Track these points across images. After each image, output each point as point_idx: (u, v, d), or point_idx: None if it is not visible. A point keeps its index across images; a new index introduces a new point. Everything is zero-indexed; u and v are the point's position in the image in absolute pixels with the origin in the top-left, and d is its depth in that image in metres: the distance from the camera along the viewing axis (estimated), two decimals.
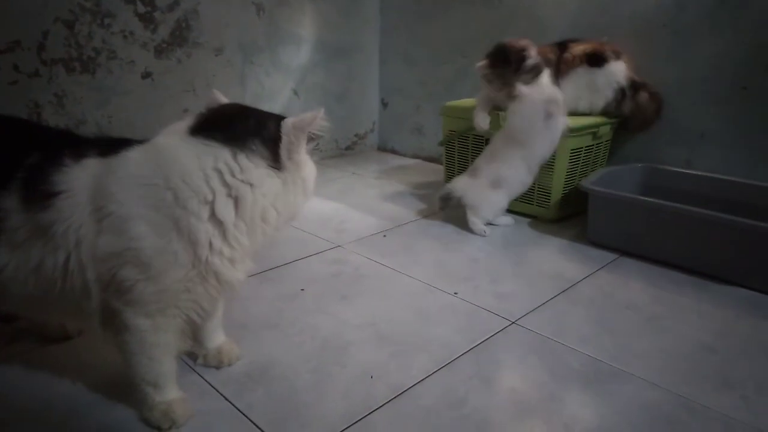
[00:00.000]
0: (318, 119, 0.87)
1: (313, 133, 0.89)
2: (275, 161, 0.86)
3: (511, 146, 1.69)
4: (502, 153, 1.70)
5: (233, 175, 0.82)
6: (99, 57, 1.88)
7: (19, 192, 0.83)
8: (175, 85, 2.09)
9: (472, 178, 1.76)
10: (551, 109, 1.61)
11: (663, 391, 1.01)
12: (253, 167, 0.84)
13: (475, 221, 1.74)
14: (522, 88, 1.65)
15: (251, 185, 0.84)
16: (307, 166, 0.91)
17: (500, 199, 1.74)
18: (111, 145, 0.85)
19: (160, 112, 2.06)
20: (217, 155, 0.82)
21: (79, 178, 0.82)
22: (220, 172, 0.82)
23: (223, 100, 0.94)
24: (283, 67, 2.44)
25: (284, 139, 0.85)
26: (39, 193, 0.81)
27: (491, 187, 1.72)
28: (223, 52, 2.20)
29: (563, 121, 1.65)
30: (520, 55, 1.70)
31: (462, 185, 1.76)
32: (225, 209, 0.82)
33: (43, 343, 1.13)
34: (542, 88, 1.69)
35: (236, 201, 0.83)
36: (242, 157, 0.83)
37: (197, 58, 2.13)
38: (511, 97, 1.69)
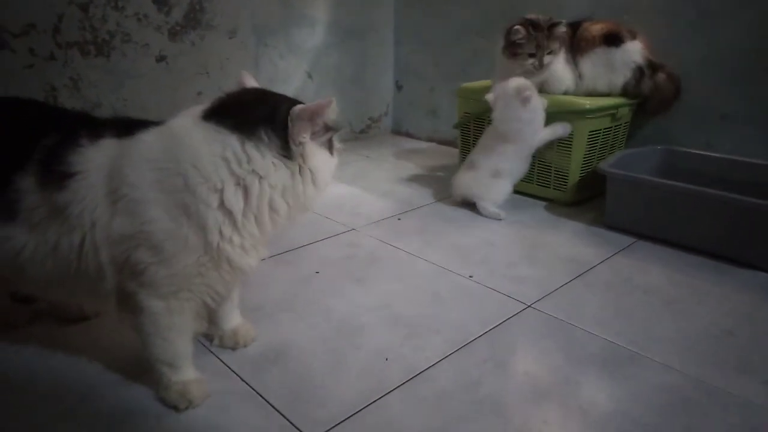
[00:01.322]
0: (326, 108, 0.82)
1: (326, 124, 0.85)
2: (286, 150, 0.83)
3: (503, 143, 1.71)
4: (497, 148, 1.72)
5: (240, 165, 0.80)
6: (113, 40, 1.88)
7: (37, 172, 0.83)
8: (188, 68, 2.08)
9: (472, 171, 1.77)
10: (524, 95, 1.62)
11: (681, 374, 1.00)
12: (260, 157, 0.81)
13: (486, 206, 1.73)
14: (488, 96, 1.71)
15: (259, 176, 0.82)
16: (316, 157, 0.86)
17: (505, 185, 1.74)
18: (128, 127, 0.85)
19: (174, 95, 2.05)
20: (225, 143, 0.80)
21: (95, 159, 0.83)
22: (227, 161, 0.80)
23: (250, 83, 0.92)
24: (296, 49, 2.42)
25: (290, 127, 0.82)
26: (55, 174, 0.82)
27: (492, 176, 1.73)
28: (237, 34, 2.19)
29: (541, 102, 1.68)
30: (553, 22, 1.70)
31: (463, 181, 1.79)
32: (234, 199, 0.81)
33: (61, 323, 1.14)
34: (509, 81, 1.68)
35: (245, 191, 0.82)
36: (250, 146, 0.81)
37: (211, 40, 2.12)
38: (539, 67, 1.71)
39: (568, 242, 1.57)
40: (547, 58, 1.71)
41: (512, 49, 1.72)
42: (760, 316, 1.19)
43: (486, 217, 1.73)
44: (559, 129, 1.71)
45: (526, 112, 1.65)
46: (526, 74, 1.73)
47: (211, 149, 0.80)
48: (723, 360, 1.04)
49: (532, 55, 1.70)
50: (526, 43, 1.69)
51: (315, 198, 0.90)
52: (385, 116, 2.91)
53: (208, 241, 0.81)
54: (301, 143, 0.83)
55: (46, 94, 1.78)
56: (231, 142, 0.80)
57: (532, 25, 1.69)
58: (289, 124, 0.82)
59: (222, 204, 0.81)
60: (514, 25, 1.69)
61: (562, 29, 1.71)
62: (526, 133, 1.68)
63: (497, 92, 1.69)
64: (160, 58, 2.00)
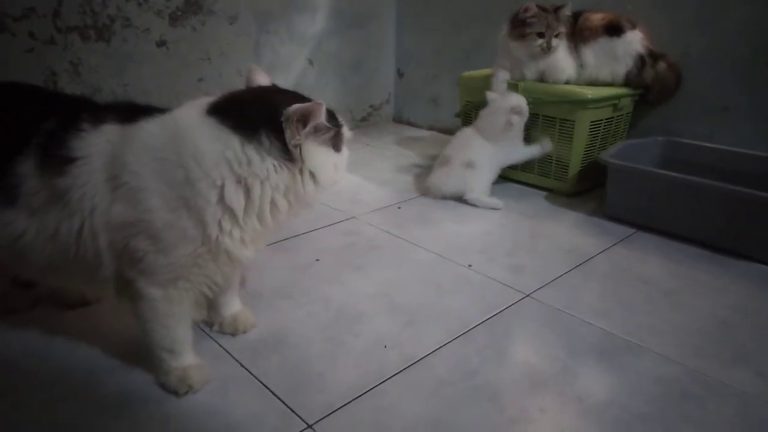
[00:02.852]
0: (316, 111, 0.80)
1: (322, 124, 0.82)
2: (287, 153, 0.81)
3: (482, 138, 1.75)
4: (473, 142, 1.75)
5: (240, 166, 0.80)
6: (114, 25, 1.86)
7: (37, 157, 0.83)
8: (190, 53, 2.07)
9: (446, 167, 1.77)
10: (512, 119, 1.68)
11: (678, 365, 1.01)
12: (259, 160, 0.80)
13: (476, 198, 1.72)
14: (491, 95, 1.77)
15: (259, 178, 0.81)
16: (316, 157, 0.84)
17: (482, 173, 1.74)
18: (131, 112, 0.85)
19: (176, 80, 2.05)
20: (227, 143, 0.79)
21: (97, 144, 0.82)
22: (228, 161, 0.79)
23: (259, 78, 0.91)
24: (298, 36, 2.41)
25: (286, 129, 0.80)
26: (57, 159, 0.82)
27: (466, 167, 1.72)
28: (238, 20, 2.18)
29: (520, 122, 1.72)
30: (558, 5, 1.73)
31: (438, 181, 1.78)
32: (234, 196, 0.81)
33: (61, 309, 1.14)
34: (510, 97, 1.73)
35: (246, 190, 0.81)
36: (250, 149, 0.80)
37: (212, 26, 2.10)
38: (547, 50, 1.72)
39: (568, 232, 1.57)
40: (554, 41, 1.71)
41: (520, 29, 1.73)
42: (757, 307, 1.20)
43: (483, 208, 1.73)
44: (537, 150, 1.77)
45: (506, 130, 1.71)
46: (532, 58, 1.75)
47: (213, 146, 0.79)
48: (720, 351, 1.05)
49: (540, 36, 1.70)
50: (537, 21, 1.70)
51: (317, 195, 0.89)
52: (386, 104, 2.90)
53: (207, 234, 0.81)
54: (296, 145, 0.81)
55: (46, 78, 1.77)
56: (232, 142, 0.79)
57: (539, 6, 1.71)
58: (284, 126, 0.80)
59: (222, 199, 0.80)
60: (523, 6, 1.71)
61: (567, 12, 1.72)
62: (501, 142, 1.74)
63: (493, 99, 1.75)
64: (161, 43, 1.99)
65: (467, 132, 1.80)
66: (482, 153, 1.73)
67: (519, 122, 1.70)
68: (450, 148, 1.79)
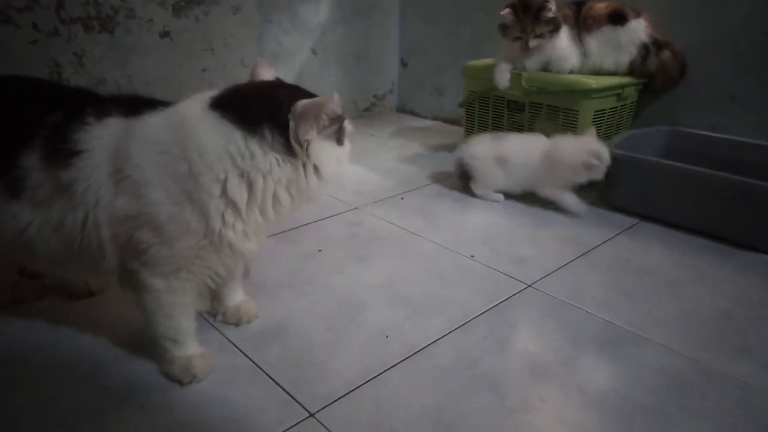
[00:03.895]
0: (328, 104, 0.80)
1: (331, 117, 0.83)
2: (288, 148, 0.82)
3: (544, 155, 1.61)
4: (531, 149, 1.63)
5: (243, 160, 0.80)
6: (117, 15, 1.86)
7: (42, 150, 0.83)
8: (193, 44, 2.07)
9: (485, 145, 1.69)
10: (591, 161, 1.52)
11: (680, 356, 1.01)
12: (262, 154, 0.81)
13: (481, 193, 1.71)
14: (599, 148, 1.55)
15: (262, 172, 0.81)
16: (321, 152, 0.84)
17: (504, 174, 1.66)
18: (135, 105, 0.85)
19: (179, 71, 2.05)
20: (229, 137, 0.80)
21: (101, 137, 0.83)
22: (231, 155, 0.80)
23: (264, 73, 0.91)
24: (301, 26, 2.40)
25: (291, 125, 0.80)
26: (61, 152, 0.82)
27: (495, 160, 1.65)
28: (241, 10, 2.17)
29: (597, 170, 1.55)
30: (540, 6, 1.71)
31: (468, 146, 1.71)
32: (237, 190, 0.81)
33: (68, 299, 1.16)
34: (588, 142, 1.56)
35: (249, 183, 0.82)
36: (252, 143, 0.80)
37: (215, 16, 2.10)
38: (525, 50, 1.75)
39: (571, 222, 1.57)
40: (534, 42, 1.73)
41: (503, 29, 1.79)
42: (760, 298, 1.20)
43: (485, 200, 1.72)
44: (569, 204, 1.61)
45: (575, 171, 1.57)
46: (522, 52, 1.78)
47: (216, 140, 0.80)
48: (722, 342, 1.05)
49: (518, 38, 1.75)
50: (513, 26, 1.75)
51: (320, 189, 0.89)
52: (390, 94, 2.89)
53: (210, 227, 0.82)
54: (306, 141, 0.81)
55: (50, 70, 1.78)
56: (234, 136, 0.80)
57: (523, 6, 1.72)
58: (290, 122, 0.80)
59: (225, 193, 0.81)
60: (504, 10, 1.74)
61: (547, 15, 1.70)
62: (561, 176, 1.59)
63: (584, 142, 1.57)
64: (164, 34, 1.99)
65: (543, 139, 1.65)
66: (520, 161, 1.63)
67: (594, 169, 1.53)
68: (512, 138, 1.69)
